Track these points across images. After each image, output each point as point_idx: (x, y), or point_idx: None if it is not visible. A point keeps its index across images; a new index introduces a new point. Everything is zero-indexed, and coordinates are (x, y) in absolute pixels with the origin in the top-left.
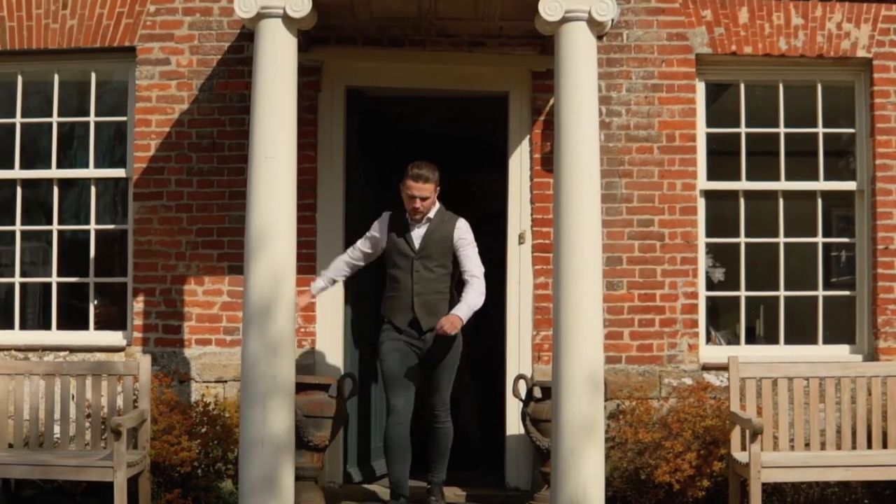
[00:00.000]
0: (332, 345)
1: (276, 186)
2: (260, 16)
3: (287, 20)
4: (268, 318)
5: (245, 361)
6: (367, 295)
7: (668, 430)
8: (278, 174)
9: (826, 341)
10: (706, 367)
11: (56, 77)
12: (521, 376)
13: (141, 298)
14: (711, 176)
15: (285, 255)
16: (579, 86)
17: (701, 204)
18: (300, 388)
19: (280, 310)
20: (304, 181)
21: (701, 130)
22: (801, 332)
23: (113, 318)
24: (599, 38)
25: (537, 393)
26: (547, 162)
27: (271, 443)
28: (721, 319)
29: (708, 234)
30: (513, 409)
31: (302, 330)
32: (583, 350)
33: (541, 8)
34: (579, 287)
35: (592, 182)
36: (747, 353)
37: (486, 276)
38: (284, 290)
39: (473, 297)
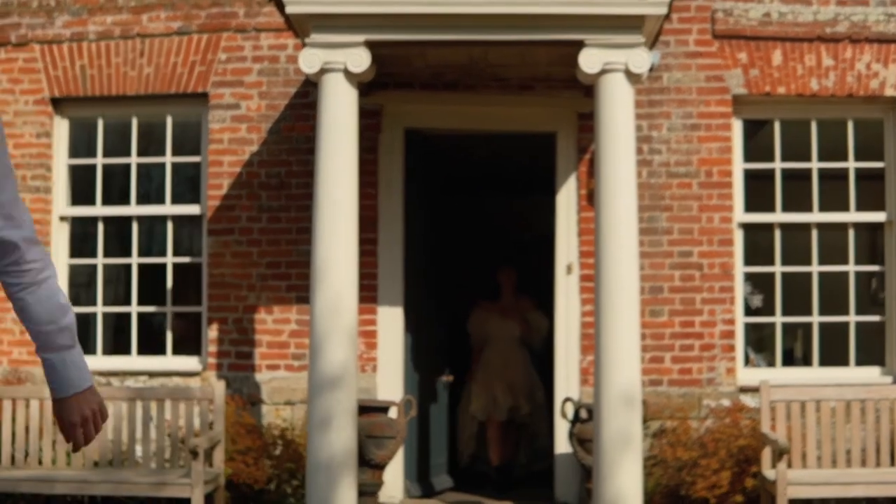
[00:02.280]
0: (392, 369)
1: (338, 226)
2: (323, 71)
3: (348, 74)
4: (331, 347)
5: (311, 387)
6: (428, 322)
7: (704, 449)
8: (340, 214)
9: (858, 363)
10: (743, 389)
11: (134, 120)
12: (568, 399)
13: (215, 326)
14: (748, 208)
15: (346, 288)
16: (618, 132)
17: (738, 235)
18: (362, 410)
19: (342, 338)
20: (366, 217)
21: (738, 166)
22: (834, 355)
23: (189, 345)
24: (639, 83)
25: (583, 414)
26: (592, 197)
27: (335, 463)
28: (761, 344)
29: (746, 263)
30: (561, 429)
31: (364, 356)
32: (620, 371)
33: (581, 61)
34: (618, 314)
35: (630, 219)
36: (783, 376)
37: (539, 301)
38: (345, 320)
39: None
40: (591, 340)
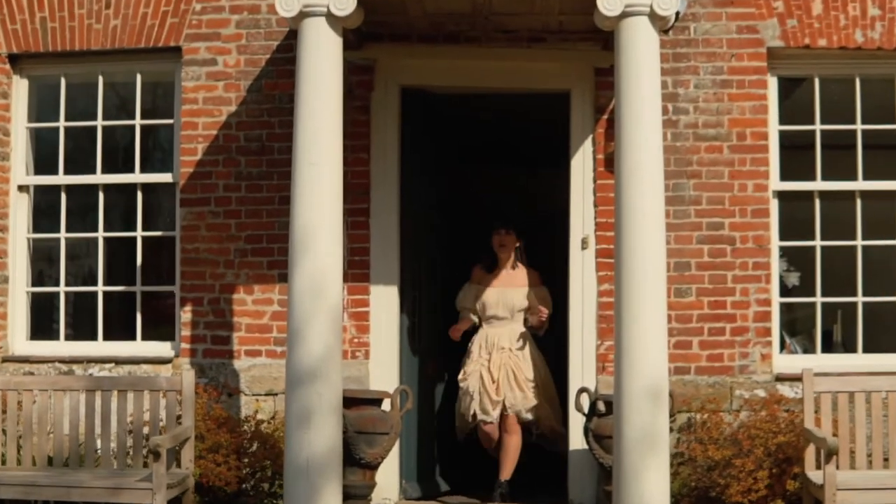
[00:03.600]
0: (386, 355)
1: (320, 193)
2: (303, 14)
3: (331, 19)
4: (312, 331)
5: (289, 378)
6: (429, 302)
7: (738, 447)
8: (322, 180)
9: None
10: (780, 378)
11: (100, 79)
12: (583, 389)
13: (189, 308)
14: (785, 176)
15: (330, 264)
16: (641, 84)
17: (774, 205)
18: (351, 402)
19: (325, 321)
20: (357, 185)
21: (773, 128)
22: (881, 340)
23: (161, 329)
24: (664, 32)
25: (601, 407)
26: (611, 163)
27: (315, 465)
28: (796, 326)
29: (781, 237)
30: (576, 423)
31: (355, 340)
32: (645, 361)
33: (599, 2)
34: (641, 294)
35: (655, 185)
36: (823, 363)
37: (548, 283)
38: (329, 300)
39: None
40: (610, 323)
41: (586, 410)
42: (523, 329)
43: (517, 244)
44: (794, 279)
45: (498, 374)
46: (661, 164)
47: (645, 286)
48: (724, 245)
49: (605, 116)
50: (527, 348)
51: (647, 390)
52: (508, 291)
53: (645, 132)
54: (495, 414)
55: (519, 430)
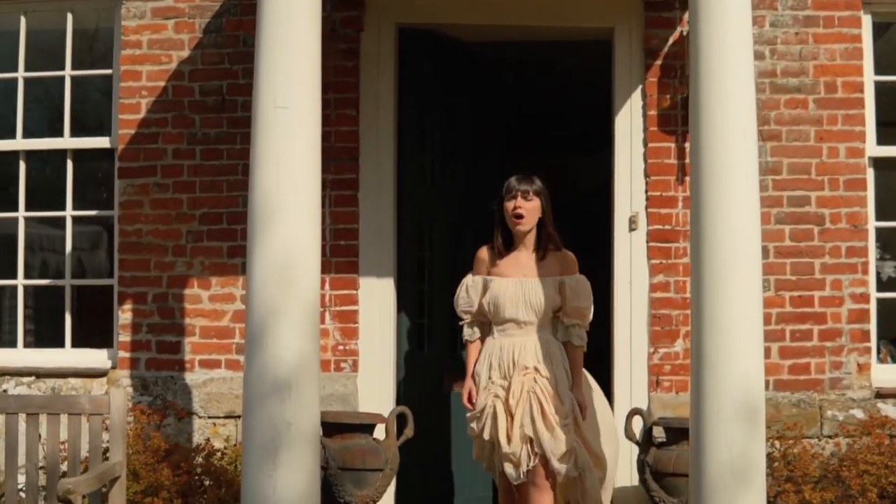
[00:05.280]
0: (380, 367)
1: (290, 147)
2: None
3: None
4: (278, 331)
5: (247, 396)
6: (437, 299)
7: (844, 487)
8: (293, 129)
9: None
10: (881, 395)
11: (22, 22)
12: (636, 411)
13: (129, 307)
14: (881, 140)
15: (303, 244)
16: (724, 5)
17: (870, 176)
18: (333, 428)
19: (294, 320)
20: (343, 150)
21: (868, 78)
22: None
23: (96, 333)
24: None
25: (658, 433)
26: (667, 120)
27: None
28: (888, 328)
29: (878, 217)
30: (624, 452)
31: (340, 347)
32: (735, 369)
33: None
34: (729, 282)
35: (746, 133)
36: None
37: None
38: (302, 290)
39: None
40: (665, 325)
41: (639, 438)
42: (555, 339)
43: (542, 213)
44: (889, 270)
45: (517, 406)
46: (753, 110)
47: (734, 271)
48: (811, 225)
49: (659, 62)
50: (561, 367)
51: (739, 408)
52: (533, 284)
53: (734, 64)
54: (523, 467)
55: (548, 485)
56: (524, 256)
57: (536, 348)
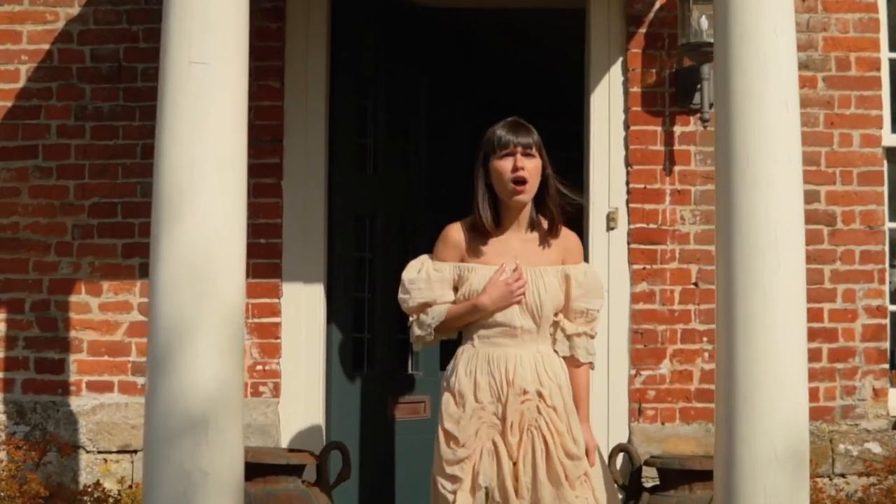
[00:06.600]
0: (307, 391)
1: (207, 112)
2: None
3: None
4: (191, 349)
5: (148, 434)
6: (379, 307)
7: None
8: (212, 90)
9: None
10: None
11: None
12: (621, 448)
13: (2, 316)
14: None
15: (223, 237)
16: None
17: (885, 169)
18: (255, 470)
19: (214, 332)
20: (264, 128)
21: (884, 55)
22: None
23: None
24: None
25: (651, 476)
26: (652, 99)
27: None
28: None
29: (892, 217)
30: None
31: (258, 367)
32: (777, 407)
33: None
34: (770, 298)
35: (790, 112)
36: None
37: None
38: (222, 295)
39: None
40: (649, 342)
41: (624, 481)
42: (556, 355)
43: (543, 176)
44: None
45: (519, 445)
46: (795, 62)
47: (775, 276)
48: (820, 225)
49: (643, 30)
50: (569, 394)
51: (781, 450)
52: (533, 276)
53: (773, 17)
54: None
55: None
56: (516, 238)
57: (537, 365)
